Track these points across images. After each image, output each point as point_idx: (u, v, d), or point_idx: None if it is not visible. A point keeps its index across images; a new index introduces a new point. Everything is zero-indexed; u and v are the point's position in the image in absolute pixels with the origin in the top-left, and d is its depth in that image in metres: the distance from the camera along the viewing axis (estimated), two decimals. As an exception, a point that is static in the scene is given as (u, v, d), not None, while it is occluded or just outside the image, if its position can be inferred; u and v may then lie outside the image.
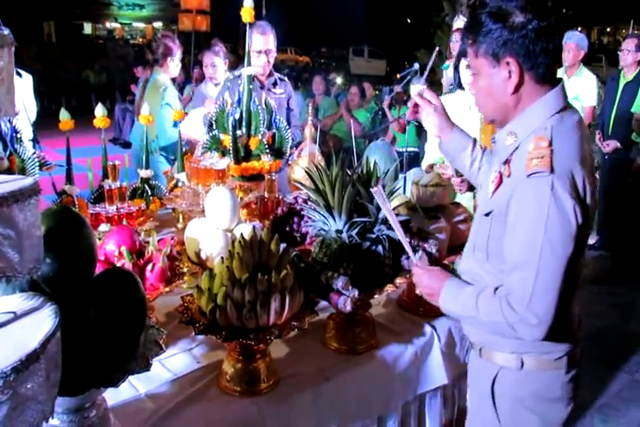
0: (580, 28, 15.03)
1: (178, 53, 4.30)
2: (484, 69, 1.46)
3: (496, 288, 1.46)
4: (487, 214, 1.51)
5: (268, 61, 3.80)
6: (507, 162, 1.48)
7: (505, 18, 1.39)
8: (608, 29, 28.77)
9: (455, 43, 6.03)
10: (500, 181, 1.49)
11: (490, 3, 1.43)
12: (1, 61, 1.05)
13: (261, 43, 3.72)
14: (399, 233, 1.63)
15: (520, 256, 1.39)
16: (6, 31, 1.07)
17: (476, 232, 1.60)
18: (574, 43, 5.19)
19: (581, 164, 1.39)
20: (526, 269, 1.37)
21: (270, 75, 3.94)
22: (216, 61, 4.30)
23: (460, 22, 6.54)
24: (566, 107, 1.47)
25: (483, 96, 1.53)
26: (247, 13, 2.89)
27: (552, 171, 1.34)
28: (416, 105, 1.80)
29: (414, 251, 1.69)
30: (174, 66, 4.33)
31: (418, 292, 1.64)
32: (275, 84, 3.95)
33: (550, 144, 1.38)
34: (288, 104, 4.02)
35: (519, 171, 1.41)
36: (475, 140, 1.84)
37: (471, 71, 1.52)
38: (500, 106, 1.49)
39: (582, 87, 5.21)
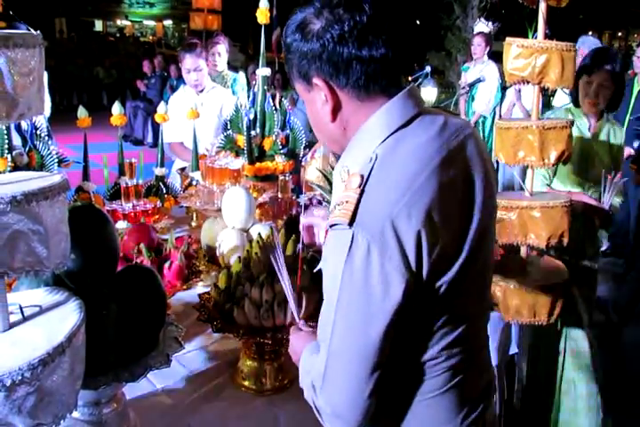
0: (590, 33, 15.00)
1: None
2: (303, 95, 1.17)
3: None
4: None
5: None
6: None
7: (302, 27, 1.09)
8: (619, 34, 28.68)
9: (477, 46, 6.09)
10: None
11: (298, 15, 1.12)
12: (32, 61, 1.06)
13: None
14: (288, 292, 1.42)
15: (320, 331, 1.10)
16: (37, 32, 1.09)
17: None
18: (587, 48, 5.20)
19: (417, 204, 1.00)
20: (323, 348, 1.08)
21: None
22: (201, 65, 3.72)
23: (481, 26, 6.60)
24: (413, 123, 1.09)
25: (313, 127, 1.22)
26: (263, 15, 2.92)
27: (351, 222, 0.98)
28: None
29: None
30: None
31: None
32: None
33: (364, 183, 1.02)
34: None
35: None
36: None
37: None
38: (329, 136, 1.19)
39: (595, 93, 5.21)
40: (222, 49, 4.40)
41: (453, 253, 1.07)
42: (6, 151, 2.09)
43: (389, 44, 1.08)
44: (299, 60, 1.10)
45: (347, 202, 1.01)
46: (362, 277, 0.98)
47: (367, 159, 1.05)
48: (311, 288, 1.59)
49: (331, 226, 1.03)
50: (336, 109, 1.11)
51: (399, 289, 0.99)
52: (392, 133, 1.07)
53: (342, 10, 1.05)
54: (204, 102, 3.69)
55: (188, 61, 3.71)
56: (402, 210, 0.99)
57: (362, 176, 1.02)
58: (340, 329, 1.03)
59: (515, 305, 1.99)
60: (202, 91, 3.79)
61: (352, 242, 0.98)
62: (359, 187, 1.01)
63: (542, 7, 2.05)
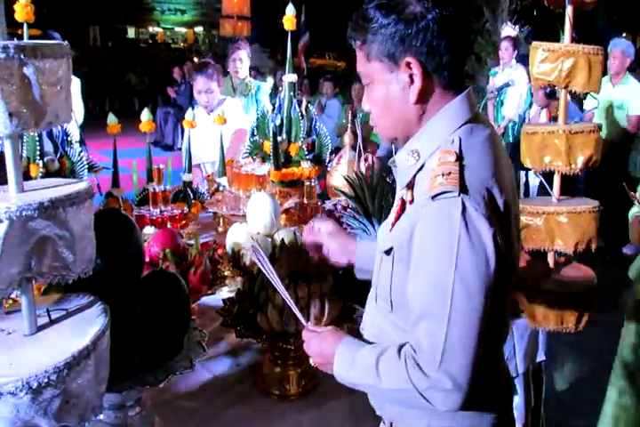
0: (625, 35, 14.74)
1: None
2: (378, 76, 1.18)
3: (401, 347, 1.15)
4: (388, 252, 1.21)
5: None
6: (409, 186, 1.19)
7: (399, 8, 1.11)
8: (655, 36, 28.16)
9: (505, 51, 6.04)
10: (402, 210, 1.20)
11: None
12: (60, 71, 1.09)
13: None
14: (284, 295, 1.39)
15: (426, 303, 1.09)
16: (65, 42, 1.12)
17: (378, 275, 1.28)
18: (620, 50, 5.13)
19: (501, 182, 1.12)
20: (435, 320, 1.07)
21: None
22: (212, 87, 3.83)
23: (508, 30, 6.55)
24: (476, 117, 1.19)
25: (379, 110, 1.23)
26: (289, 21, 2.94)
27: (463, 190, 1.06)
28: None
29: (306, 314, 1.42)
30: None
31: (312, 363, 1.34)
32: None
33: (459, 158, 1.10)
34: None
35: (423, 194, 1.12)
36: None
37: (364, 81, 1.23)
38: (401, 120, 1.21)
39: (628, 95, 5.13)
40: (244, 54, 4.42)
41: (517, 235, 1.19)
42: (38, 157, 2.14)
43: (467, 38, 1.18)
44: (391, 39, 1.13)
45: (449, 173, 1.07)
46: (478, 240, 1.04)
47: (448, 141, 1.14)
48: (333, 296, 1.60)
49: (433, 197, 1.07)
50: (423, 92, 1.15)
51: (501, 252, 1.06)
52: (463, 125, 1.16)
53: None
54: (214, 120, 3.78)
55: (200, 82, 3.80)
56: (495, 183, 1.10)
57: (455, 153, 1.11)
58: (459, 295, 1.05)
59: (541, 312, 1.96)
60: (212, 110, 3.81)
61: (464, 208, 1.05)
62: (457, 161, 1.09)
63: (569, 10, 2.03)
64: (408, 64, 1.13)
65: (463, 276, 1.04)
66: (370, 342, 1.27)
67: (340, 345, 1.24)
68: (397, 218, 1.20)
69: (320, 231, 1.54)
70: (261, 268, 1.40)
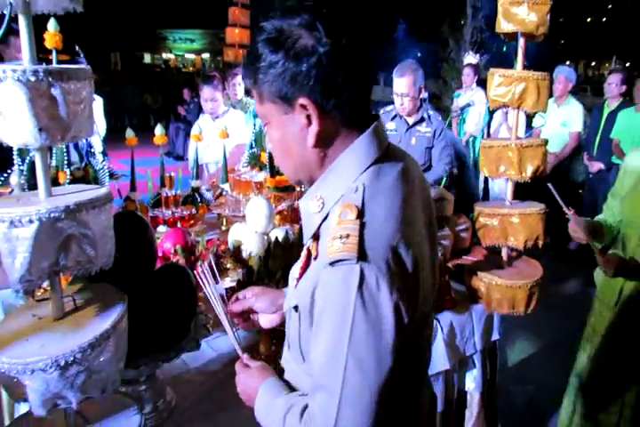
0: (568, 62, 14.93)
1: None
2: (274, 118, 0.93)
3: (306, 407, 0.93)
4: (295, 308, 0.98)
5: (402, 104, 3.24)
6: (315, 237, 0.95)
7: (288, 44, 0.86)
8: (593, 63, 28.46)
9: (467, 76, 6.09)
10: (307, 264, 0.97)
11: (269, 25, 0.89)
12: (84, 92, 1.08)
13: (396, 85, 3.23)
14: (224, 323, 1.21)
15: (320, 374, 0.87)
16: (88, 66, 1.11)
17: (288, 326, 1.07)
18: (564, 75, 5.18)
19: (409, 232, 0.88)
20: (328, 395, 0.85)
21: (417, 112, 3.32)
22: (216, 96, 3.78)
23: (469, 58, 6.57)
24: (386, 153, 0.94)
25: (278, 152, 0.99)
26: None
27: (362, 257, 0.82)
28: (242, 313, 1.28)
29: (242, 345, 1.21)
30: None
31: (241, 397, 1.13)
32: (421, 121, 3.31)
33: (361, 214, 0.85)
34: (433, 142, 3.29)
35: (324, 253, 0.87)
36: None
37: (262, 121, 0.99)
38: (301, 163, 0.96)
39: (570, 115, 5.17)
40: (240, 79, 4.46)
41: (431, 279, 0.98)
42: (65, 166, 2.12)
43: (367, 70, 0.93)
44: (281, 79, 0.88)
45: (347, 236, 0.83)
46: (376, 314, 0.82)
47: (351, 189, 0.89)
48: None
49: (332, 263, 0.84)
50: (322, 134, 0.91)
51: (406, 319, 0.85)
52: (370, 166, 0.92)
53: (332, 26, 0.87)
54: (219, 127, 3.79)
55: (206, 92, 3.77)
56: (400, 239, 0.86)
57: (356, 207, 0.86)
58: (352, 372, 0.83)
59: (496, 299, 1.97)
60: (217, 117, 3.84)
61: (362, 278, 0.81)
62: (357, 218, 0.85)
63: (521, 42, 2.04)
64: (303, 105, 0.89)
65: (356, 352, 0.83)
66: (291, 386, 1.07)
67: (262, 387, 1.05)
68: (301, 274, 0.98)
69: (246, 297, 1.27)
70: (205, 290, 1.22)
